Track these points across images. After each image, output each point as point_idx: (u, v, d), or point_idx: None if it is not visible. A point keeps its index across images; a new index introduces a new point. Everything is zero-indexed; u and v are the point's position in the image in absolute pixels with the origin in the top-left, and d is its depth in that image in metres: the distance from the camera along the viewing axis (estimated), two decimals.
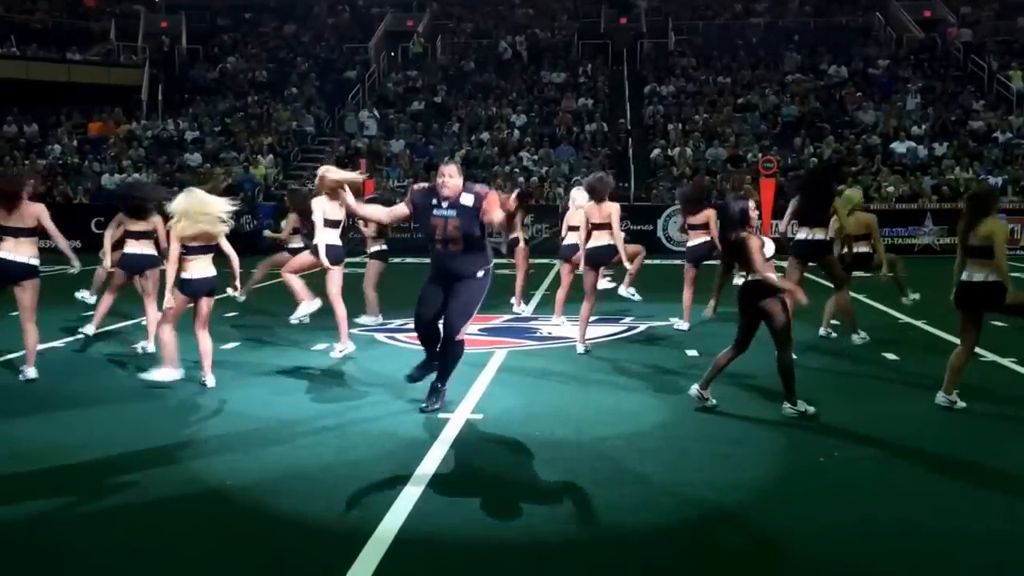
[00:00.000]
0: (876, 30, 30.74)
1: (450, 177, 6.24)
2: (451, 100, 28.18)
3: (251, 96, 28.82)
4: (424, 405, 6.60)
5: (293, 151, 26.41)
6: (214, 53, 32.01)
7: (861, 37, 30.55)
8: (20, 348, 7.74)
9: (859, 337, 9.17)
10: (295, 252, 10.02)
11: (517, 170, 23.77)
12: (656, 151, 24.59)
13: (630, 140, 25.74)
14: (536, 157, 24.50)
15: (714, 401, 6.69)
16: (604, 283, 10.36)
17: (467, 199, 6.25)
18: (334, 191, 7.89)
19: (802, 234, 8.92)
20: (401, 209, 6.67)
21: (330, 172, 8.22)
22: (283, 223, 11.38)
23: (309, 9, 35.06)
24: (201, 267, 7.24)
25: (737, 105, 26.62)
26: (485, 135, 25.89)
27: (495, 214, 6.21)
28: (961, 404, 6.66)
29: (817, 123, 25.28)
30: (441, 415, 6.44)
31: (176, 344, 7.33)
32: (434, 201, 6.31)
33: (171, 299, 7.18)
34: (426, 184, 6.68)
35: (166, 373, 7.27)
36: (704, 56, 29.80)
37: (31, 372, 7.55)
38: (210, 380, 7.36)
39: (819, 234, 8.88)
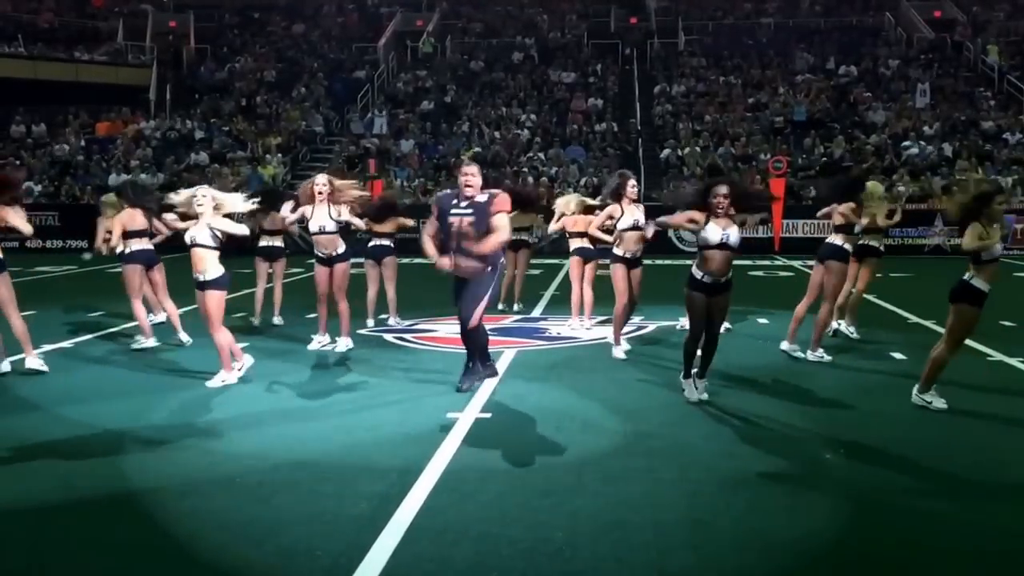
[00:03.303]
0: (886, 30, 30.66)
1: (472, 176, 6.69)
2: (460, 100, 28.15)
3: (259, 96, 28.83)
4: (460, 385, 7.11)
5: (302, 151, 26.42)
6: (222, 52, 32.08)
7: (871, 37, 30.48)
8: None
9: (816, 355, 8.42)
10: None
11: (526, 169, 23.73)
12: (666, 151, 24.54)
13: (640, 140, 25.70)
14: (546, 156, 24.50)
15: (706, 396, 6.93)
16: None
17: (482, 198, 6.70)
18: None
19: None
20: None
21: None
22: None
23: (318, 9, 35.12)
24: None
25: (747, 105, 26.56)
26: (495, 134, 25.85)
27: (499, 218, 6.64)
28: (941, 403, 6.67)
29: (827, 123, 25.21)
30: (450, 414, 6.42)
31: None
32: (454, 202, 6.77)
33: None
34: (449, 190, 7.02)
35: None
36: (714, 56, 29.74)
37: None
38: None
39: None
